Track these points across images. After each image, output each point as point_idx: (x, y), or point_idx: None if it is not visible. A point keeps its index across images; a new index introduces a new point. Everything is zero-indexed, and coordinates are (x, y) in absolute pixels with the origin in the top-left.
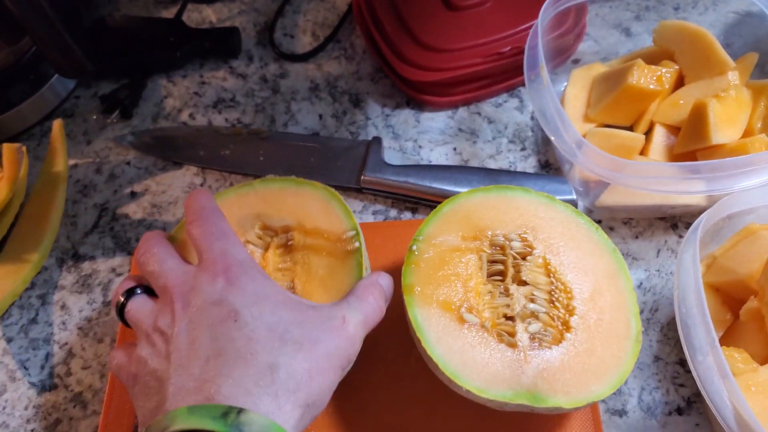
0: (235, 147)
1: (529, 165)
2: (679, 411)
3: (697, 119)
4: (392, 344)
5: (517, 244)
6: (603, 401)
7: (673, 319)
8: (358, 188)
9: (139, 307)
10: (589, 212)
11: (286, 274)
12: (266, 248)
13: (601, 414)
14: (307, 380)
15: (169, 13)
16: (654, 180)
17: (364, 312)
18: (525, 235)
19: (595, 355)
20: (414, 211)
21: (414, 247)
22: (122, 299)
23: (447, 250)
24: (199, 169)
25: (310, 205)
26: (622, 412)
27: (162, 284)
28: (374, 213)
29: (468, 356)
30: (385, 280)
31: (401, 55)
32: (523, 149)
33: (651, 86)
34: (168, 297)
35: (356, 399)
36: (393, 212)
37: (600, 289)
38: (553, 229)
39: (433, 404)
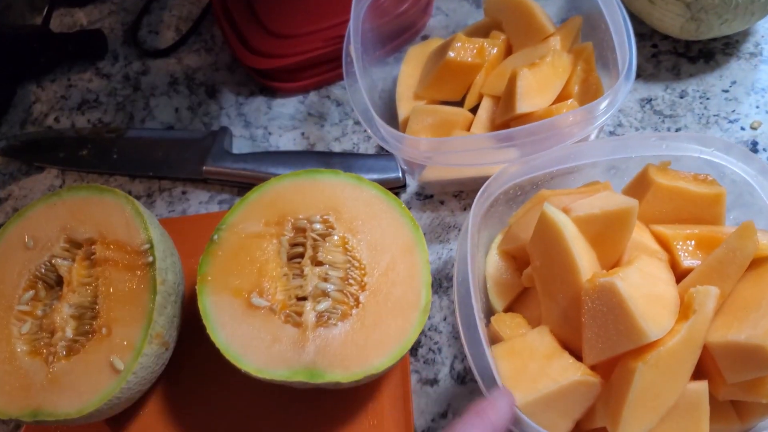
0: (92, 147)
1: (372, 146)
2: None
3: (509, 89)
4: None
5: (318, 226)
6: (416, 371)
7: None
8: (203, 179)
9: None
10: (421, 189)
11: (91, 290)
12: (74, 260)
13: (413, 384)
14: None
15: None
16: (467, 153)
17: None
18: (327, 217)
19: (380, 328)
20: None
21: (215, 237)
22: None
23: (248, 237)
24: (59, 172)
25: (111, 215)
26: (433, 382)
27: None
28: (220, 203)
29: (250, 339)
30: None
31: (248, 43)
32: (365, 131)
33: (470, 59)
34: None
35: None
36: (237, 200)
37: (395, 263)
38: (356, 209)
39: (244, 389)
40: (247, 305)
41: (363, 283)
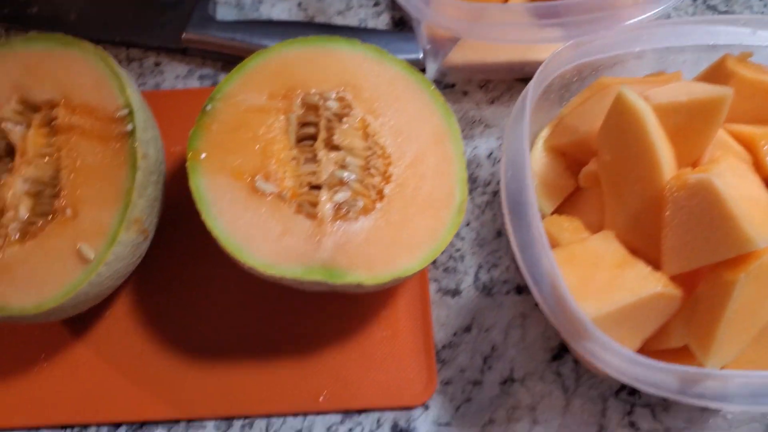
0: (45, 2)
1: (381, 22)
2: (518, 290)
3: None
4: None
5: (333, 104)
6: (435, 280)
7: None
8: (182, 49)
9: None
10: (442, 76)
11: (50, 162)
12: (28, 126)
13: (432, 294)
14: None
15: None
16: (506, 28)
17: None
18: (344, 94)
19: (408, 227)
20: None
21: (208, 107)
22: None
23: (249, 110)
24: (2, 31)
25: (79, 73)
26: (455, 292)
27: None
28: (201, 78)
29: (256, 229)
30: None
31: None
32: (376, 4)
33: None
34: None
35: (153, 282)
36: (223, 76)
37: (424, 155)
38: (378, 88)
39: (242, 286)
40: (251, 190)
41: (387, 175)
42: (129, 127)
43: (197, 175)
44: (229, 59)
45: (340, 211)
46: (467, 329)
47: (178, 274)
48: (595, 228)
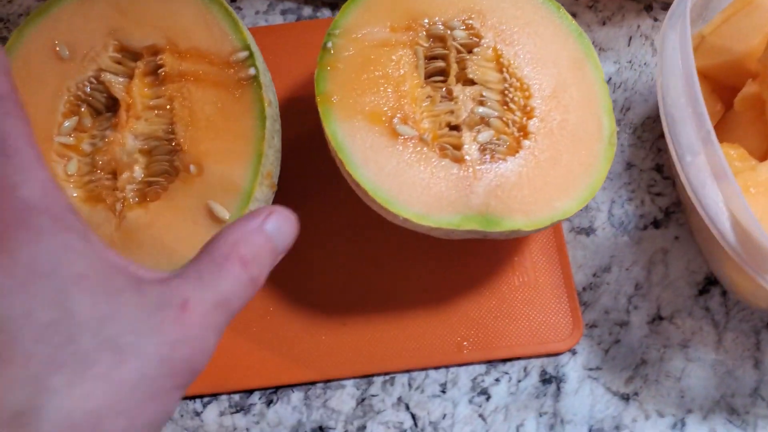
0: None
1: None
2: (656, 224)
3: None
4: (312, 167)
5: (460, 34)
6: (567, 220)
7: (648, 119)
8: None
9: None
10: None
11: (162, 115)
12: (130, 77)
13: (564, 234)
14: (94, 430)
15: None
16: None
17: (226, 288)
18: (470, 22)
19: (560, 165)
20: (334, 6)
21: (329, 44)
22: None
23: (372, 45)
24: None
25: (183, 14)
26: (589, 231)
27: None
28: (283, 13)
29: (404, 177)
30: (277, 223)
31: None
32: None
33: None
34: None
35: None
36: (307, 10)
37: (564, 84)
38: (504, 12)
39: (369, 237)
40: (391, 134)
41: (528, 109)
42: (251, 71)
43: (332, 122)
44: None
45: (485, 153)
46: (607, 269)
47: (300, 230)
48: (756, 155)
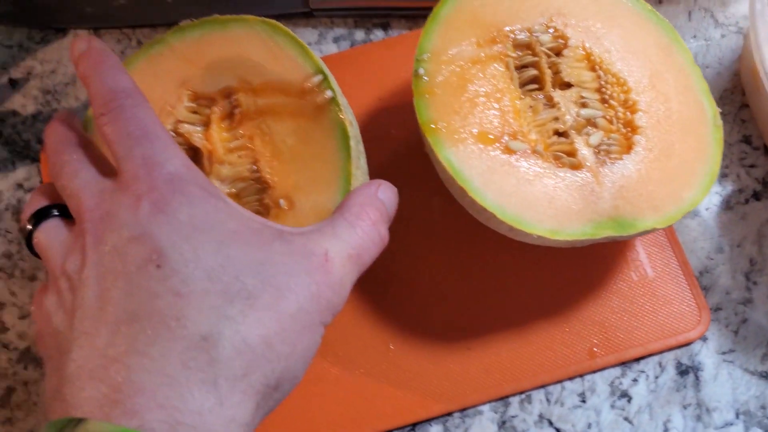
0: None
1: None
2: (756, 196)
3: None
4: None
5: (546, 38)
6: None
7: (726, 91)
8: (306, 12)
9: (50, 236)
10: None
11: (244, 155)
12: (207, 124)
13: None
14: (266, 353)
15: None
16: None
17: (357, 243)
18: (553, 24)
19: (674, 155)
20: (386, 27)
21: (420, 70)
22: (29, 226)
23: (463, 64)
24: (91, 31)
25: (250, 50)
26: (693, 213)
27: (74, 206)
28: (336, 41)
29: (527, 194)
30: (387, 193)
31: None
32: None
33: None
34: (80, 226)
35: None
36: (359, 34)
37: (658, 73)
38: (584, 9)
39: (473, 255)
40: (505, 152)
41: (629, 103)
42: (328, 94)
43: (444, 149)
44: (361, 14)
45: (600, 155)
46: (719, 249)
47: (402, 256)
48: None
